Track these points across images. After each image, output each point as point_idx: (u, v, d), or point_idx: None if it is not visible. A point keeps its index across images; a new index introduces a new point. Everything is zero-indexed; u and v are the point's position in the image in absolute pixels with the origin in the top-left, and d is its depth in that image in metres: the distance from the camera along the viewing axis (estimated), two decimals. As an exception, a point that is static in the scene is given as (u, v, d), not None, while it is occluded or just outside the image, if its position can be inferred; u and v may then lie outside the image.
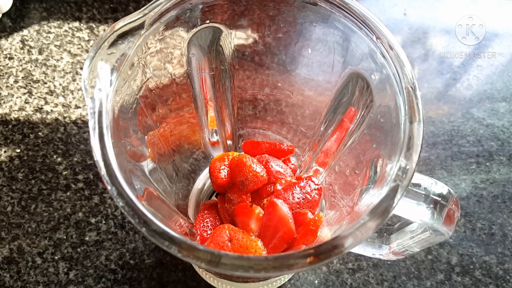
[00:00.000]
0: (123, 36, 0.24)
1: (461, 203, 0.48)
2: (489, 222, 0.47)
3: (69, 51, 0.53)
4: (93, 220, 0.44)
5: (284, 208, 0.36)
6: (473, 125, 0.52)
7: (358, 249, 0.35)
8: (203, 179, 0.42)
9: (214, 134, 0.40)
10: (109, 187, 0.21)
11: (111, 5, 0.56)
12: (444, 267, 0.44)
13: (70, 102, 0.50)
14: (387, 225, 0.35)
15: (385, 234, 0.34)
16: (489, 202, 0.48)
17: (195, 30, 0.29)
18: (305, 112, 0.38)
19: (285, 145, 0.38)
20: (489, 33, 0.57)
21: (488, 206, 0.48)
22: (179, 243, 0.20)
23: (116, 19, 0.55)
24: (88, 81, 0.23)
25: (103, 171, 0.21)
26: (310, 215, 0.36)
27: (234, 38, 0.31)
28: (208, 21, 0.29)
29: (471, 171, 0.50)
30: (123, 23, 0.24)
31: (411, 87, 0.23)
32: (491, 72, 0.56)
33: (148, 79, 0.28)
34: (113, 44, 0.24)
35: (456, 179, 0.49)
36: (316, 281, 0.43)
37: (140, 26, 0.25)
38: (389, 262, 0.44)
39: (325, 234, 0.34)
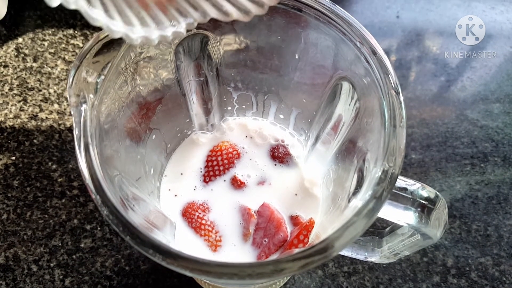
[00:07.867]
0: (108, 44, 0.24)
1: (456, 205, 0.47)
2: (484, 223, 0.47)
3: (64, 58, 0.53)
4: (88, 227, 0.44)
5: (277, 210, 0.36)
6: (467, 126, 0.52)
7: (351, 253, 0.35)
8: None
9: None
10: (93, 196, 0.21)
11: (105, 12, 0.57)
12: (440, 269, 0.44)
13: (64, 109, 0.50)
14: (379, 228, 0.35)
15: (377, 237, 0.34)
16: (484, 203, 0.48)
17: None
18: (298, 116, 0.38)
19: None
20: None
21: (483, 207, 0.48)
22: (163, 252, 0.20)
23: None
24: (73, 90, 0.23)
25: (87, 180, 0.21)
26: (302, 219, 0.36)
27: (222, 45, 0.32)
28: (194, 28, 0.29)
29: (465, 172, 0.49)
30: (108, 32, 0.24)
31: (395, 92, 0.23)
32: (485, 73, 0.56)
33: (135, 86, 0.28)
34: (98, 53, 0.24)
35: (451, 181, 0.49)
36: (312, 285, 0.43)
37: (126, 35, 0.25)
38: (384, 265, 0.44)
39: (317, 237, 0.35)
